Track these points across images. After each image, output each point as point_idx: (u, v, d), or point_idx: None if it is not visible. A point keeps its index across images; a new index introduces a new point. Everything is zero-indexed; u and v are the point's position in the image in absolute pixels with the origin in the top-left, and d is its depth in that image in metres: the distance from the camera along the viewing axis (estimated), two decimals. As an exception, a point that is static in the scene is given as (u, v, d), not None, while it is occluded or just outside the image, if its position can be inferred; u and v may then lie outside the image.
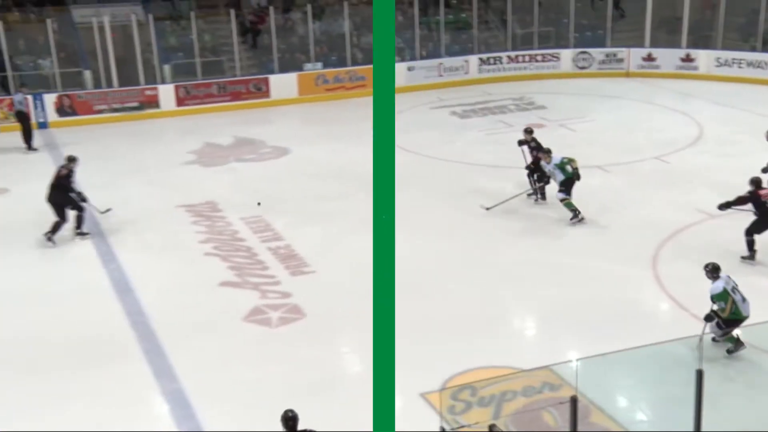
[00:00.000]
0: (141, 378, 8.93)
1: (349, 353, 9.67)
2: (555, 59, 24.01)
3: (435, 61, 23.34)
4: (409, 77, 22.87)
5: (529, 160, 13.69)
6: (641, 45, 23.79)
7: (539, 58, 24.01)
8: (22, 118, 17.83)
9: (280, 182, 15.44)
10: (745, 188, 11.21)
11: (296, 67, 22.47)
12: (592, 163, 15.65)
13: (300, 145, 17.77)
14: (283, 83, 21.82)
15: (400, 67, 22.95)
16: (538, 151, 13.46)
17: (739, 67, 22.42)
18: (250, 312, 10.29)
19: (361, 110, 20.81)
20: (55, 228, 12.43)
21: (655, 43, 23.70)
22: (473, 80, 23.41)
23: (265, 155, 17.32)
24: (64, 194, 12.47)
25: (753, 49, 22.84)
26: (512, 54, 23.94)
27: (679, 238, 12.18)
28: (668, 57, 23.30)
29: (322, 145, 17.87)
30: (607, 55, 23.87)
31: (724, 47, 23.14)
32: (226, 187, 15.22)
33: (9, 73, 19.85)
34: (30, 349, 9.54)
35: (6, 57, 19.75)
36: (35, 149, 17.77)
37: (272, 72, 22.02)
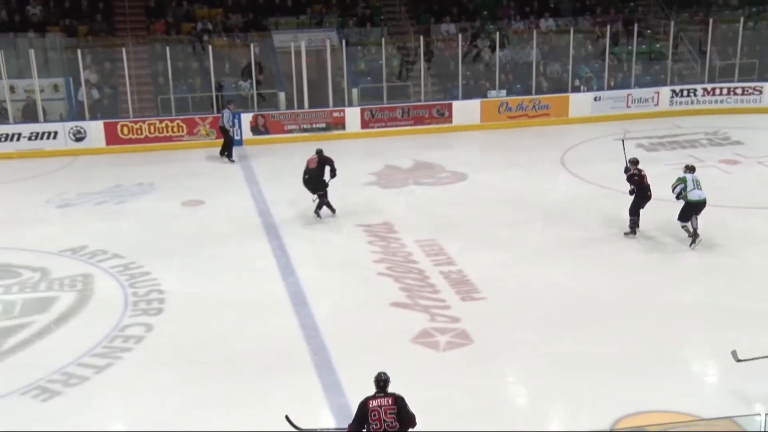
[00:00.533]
0: (310, 390, 9.16)
1: (515, 383, 9.47)
2: (757, 93, 22.60)
3: (623, 92, 22.64)
4: (594, 107, 22.35)
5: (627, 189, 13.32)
6: None
7: (739, 91, 22.70)
8: (225, 132, 19.15)
9: (456, 207, 15.48)
10: None
11: (480, 94, 22.58)
12: (792, 205, 14.57)
13: (478, 171, 17.77)
14: (465, 109, 21.97)
15: (587, 97, 22.50)
16: (638, 184, 13.16)
17: None
18: (419, 334, 10.34)
19: (542, 138, 20.52)
20: (320, 206, 14.46)
21: None
22: (663, 112, 22.50)
23: (443, 179, 17.45)
24: (316, 181, 14.33)
25: None
26: (708, 86, 22.81)
27: None
28: None
29: (501, 172, 17.76)
30: (819, 90, 22.19)
31: None
32: (403, 209, 15.46)
33: (213, 93, 21.30)
34: (211, 355, 10.04)
35: (213, 78, 21.19)
36: (233, 161, 19.02)
37: (456, 98, 22.25)
